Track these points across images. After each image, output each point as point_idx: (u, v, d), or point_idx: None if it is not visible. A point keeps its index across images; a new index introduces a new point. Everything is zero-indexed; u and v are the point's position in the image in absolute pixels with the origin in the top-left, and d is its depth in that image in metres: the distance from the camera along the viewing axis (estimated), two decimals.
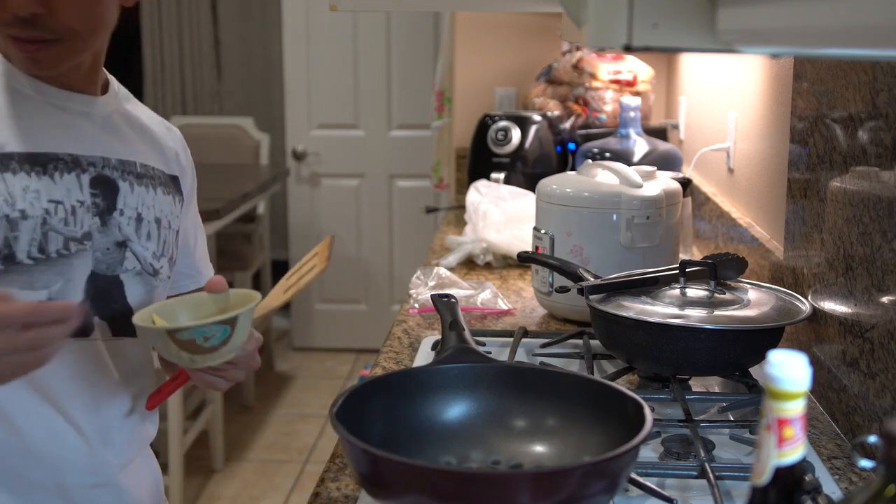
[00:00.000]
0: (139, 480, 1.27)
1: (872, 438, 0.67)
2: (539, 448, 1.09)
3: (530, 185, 2.23)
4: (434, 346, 1.59)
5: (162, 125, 1.35)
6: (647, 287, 1.46)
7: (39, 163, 1.14)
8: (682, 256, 1.93)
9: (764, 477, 0.68)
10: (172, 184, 1.31)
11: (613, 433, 1.00)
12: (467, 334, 1.27)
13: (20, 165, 1.12)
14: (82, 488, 1.18)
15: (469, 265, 2.21)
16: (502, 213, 2.23)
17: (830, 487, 1.11)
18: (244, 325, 1.08)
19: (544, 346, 1.60)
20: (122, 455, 1.22)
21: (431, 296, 1.44)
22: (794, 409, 0.67)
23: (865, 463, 0.71)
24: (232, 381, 1.20)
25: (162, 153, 1.32)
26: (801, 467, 0.69)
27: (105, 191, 1.20)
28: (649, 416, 0.98)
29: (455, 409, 1.11)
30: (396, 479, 0.92)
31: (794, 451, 0.68)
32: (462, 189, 2.79)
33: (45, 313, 0.97)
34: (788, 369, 0.66)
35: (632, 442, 0.92)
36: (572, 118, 2.77)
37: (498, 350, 1.59)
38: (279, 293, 1.25)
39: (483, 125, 2.71)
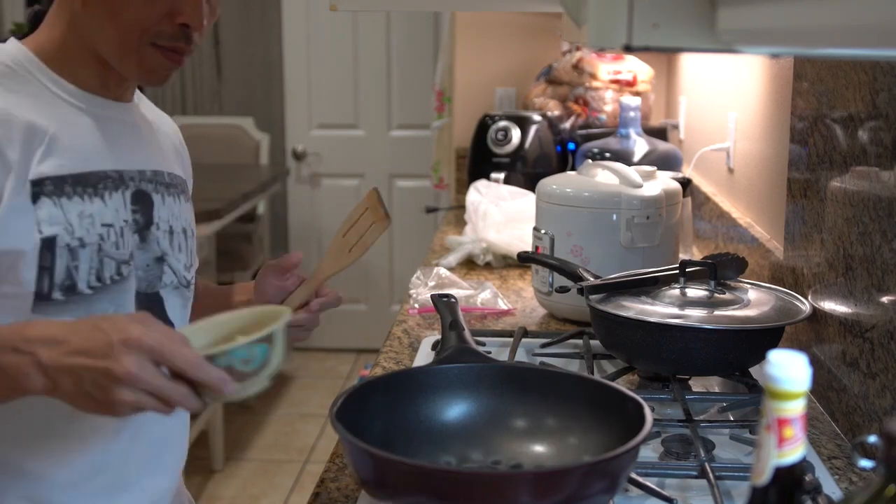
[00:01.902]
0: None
1: (872, 438, 0.66)
2: (539, 448, 1.09)
3: (530, 185, 2.23)
4: (434, 346, 1.58)
5: (169, 124, 1.31)
6: (646, 287, 1.46)
7: (90, 183, 1.09)
8: (682, 256, 1.93)
9: (764, 477, 0.68)
10: (188, 188, 1.29)
11: (613, 433, 1.00)
12: (467, 334, 1.27)
13: (73, 188, 1.07)
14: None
15: (469, 265, 2.21)
16: (502, 213, 2.23)
17: (830, 487, 1.11)
18: (282, 342, 0.95)
19: (544, 346, 1.60)
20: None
21: (431, 296, 1.44)
22: (794, 409, 0.67)
23: (865, 463, 0.70)
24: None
25: (180, 158, 1.29)
26: (801, 467, 0.69)
27: (143, 206, 1.16)
28: (649, 416, 0.98)
29: (455, 409, 1.12)
30: (396, 479, 0.92)
31: (794, 451, 0.68)
32: (462, 189, 2.79)
33: (206, 373, 0.88)
34: (788, 369, 0.66)
35: (632, 442, 0.92)
36: (572, 118, 2.77)
37: (498, 350, 1.59)
38: (342, 253, 1.21)
39: (483, 125, 2.71)
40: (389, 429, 1.07)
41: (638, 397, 1.03)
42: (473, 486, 0.89)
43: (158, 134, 1.25)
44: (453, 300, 1.40)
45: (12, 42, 1.11)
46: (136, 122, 1.20)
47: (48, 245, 1.04)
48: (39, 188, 1.04)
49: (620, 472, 0.93)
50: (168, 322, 1.17)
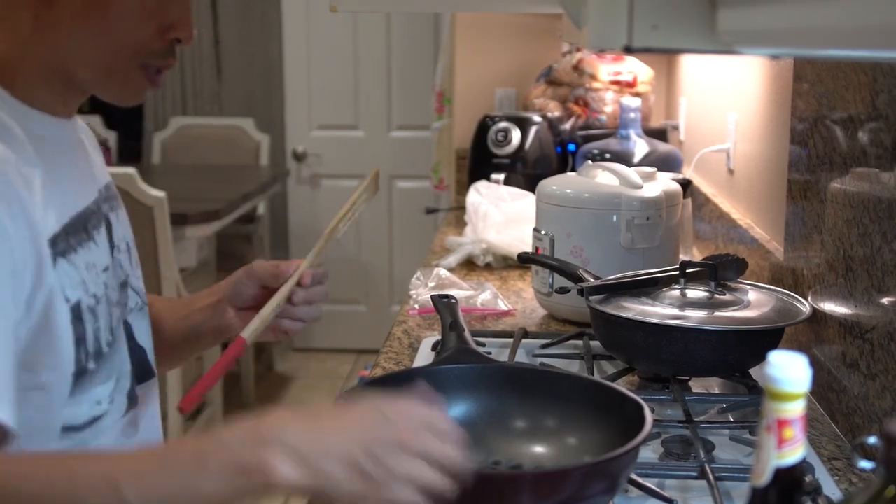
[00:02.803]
0: None
1: (872, 439, 0.67)
2: (539, 449, 1.09)
3: (530, 186, 2.22)
4: (434, 347, 1.58)
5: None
6: (647, 288, 1.46)
7: (83, 226, 0.97)
8: (683, 257, 1.93)
9: (764, 478, 0.68)
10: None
11: (613, 434, 1.00)
12: (467, 335, 1.27)
13: (75, 237, 0.95)
14: None
15: (469, 266, 2.21)
16: (502, 214, 2.23)
17: (830, 488, 1.11)
18: None
19: (544, 346, 1.60)
20: None
21: (431, 296, 1.44)
22: (794, 409, 0.67)
23: (865, 464, 0.71)
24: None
25: (101, 158, 1.14)
26: (801, 468, 0.69)
27: (107, 232, 1.03)
28: (649, 416, 0.98)
29: (455, 410, 1.11)
30: None
31: (794, 452, 0.68)
32: (462, 190, 2.79)
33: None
34: (788, 370, 0.66)
35: (632, 443, 0.92)
36: (572, 119, 2.77)
37: (498, 351, 1.58)
38: (324, 241, 1.23)
39: (483, 126, 2.71)
40: None
41: (638, 398, 1.03)
42: (473, 486, 0.89)
43: (87, 139, 1.10)
44: (453, 301, 1.40)
45: None
46: (80, 137, 1.06)
47: (77, 313, 0.92)
48: (54, 248, 0.91)
49: (620, 473, 0.93)
50: (139, 348, 1.06)
